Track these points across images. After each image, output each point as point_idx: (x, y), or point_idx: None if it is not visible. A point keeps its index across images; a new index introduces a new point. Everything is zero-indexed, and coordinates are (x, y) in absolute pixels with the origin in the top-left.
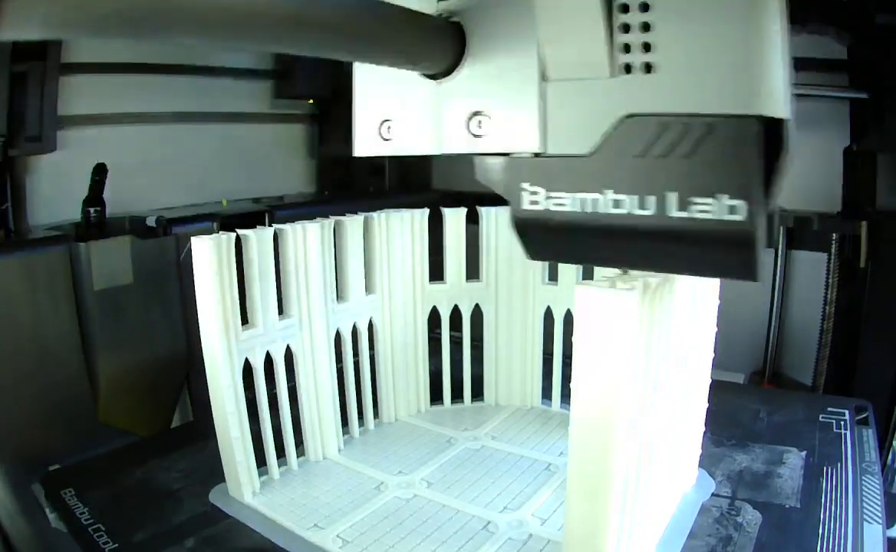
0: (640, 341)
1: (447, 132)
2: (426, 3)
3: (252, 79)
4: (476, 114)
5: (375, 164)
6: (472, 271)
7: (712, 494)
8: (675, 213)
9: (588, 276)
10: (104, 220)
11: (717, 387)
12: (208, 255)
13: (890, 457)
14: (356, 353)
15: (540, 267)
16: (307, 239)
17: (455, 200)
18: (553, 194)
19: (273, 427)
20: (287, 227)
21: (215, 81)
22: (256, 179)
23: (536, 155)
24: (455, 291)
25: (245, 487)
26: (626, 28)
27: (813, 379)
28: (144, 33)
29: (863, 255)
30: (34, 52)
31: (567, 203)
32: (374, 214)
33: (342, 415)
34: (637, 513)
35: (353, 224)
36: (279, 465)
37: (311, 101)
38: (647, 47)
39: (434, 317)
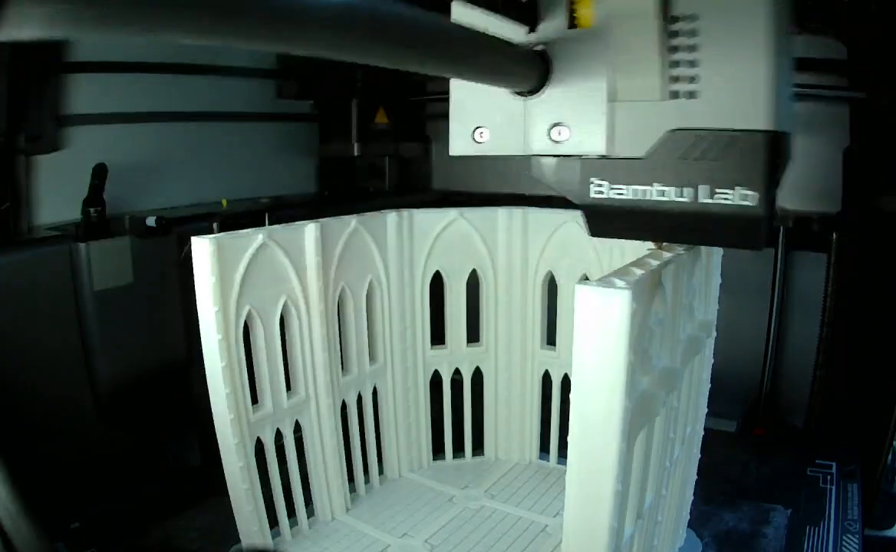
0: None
1: (532, 138)
2: (518, 36)
3: (252, 79)
4: (556, 124)
5: (375, 165)
6: (473, 333)
7: None
8: (705, 199)
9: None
10: (104, 220)
11: (709, 437)
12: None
13: (890, 456)
14: (361, 417)
15: (539, 331)
16: (311, 313)
17: (453, 200)
18: (615, 186)
19: (283, 485)
20: (292, 306)
21: (216, 81)
22: (256, 179)
23: (602, 157)
24: (456, 356)
25: None
26: (675, 65)
27: (809, 402)
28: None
29: (862, 257)
30: (35, 51)
31: (625, 192)
32: (377, 282)
33: (348, 473)
34: None
35: (357, 292)
36: (290, 525)
37: (311, 101)
38: (689, 80)
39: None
